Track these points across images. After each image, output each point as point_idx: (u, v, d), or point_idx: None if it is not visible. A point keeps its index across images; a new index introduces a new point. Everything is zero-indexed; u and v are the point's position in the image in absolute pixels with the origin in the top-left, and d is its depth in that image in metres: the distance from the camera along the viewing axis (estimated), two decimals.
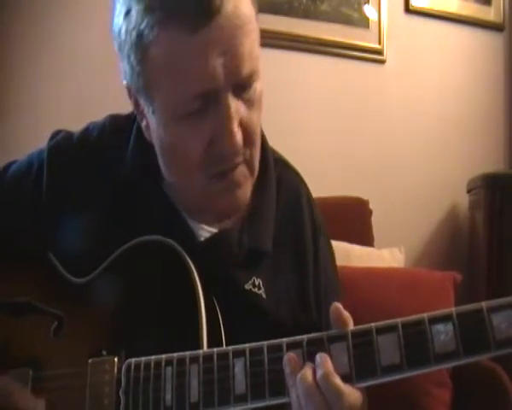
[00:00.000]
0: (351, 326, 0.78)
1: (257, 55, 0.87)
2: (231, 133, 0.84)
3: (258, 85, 0.89)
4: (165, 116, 0.88)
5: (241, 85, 0.86)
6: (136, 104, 0.93)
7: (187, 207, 0.97)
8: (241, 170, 0.91)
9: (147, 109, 0.90)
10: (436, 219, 2.75)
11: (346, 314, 0.78)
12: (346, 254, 2.15)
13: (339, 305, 0.79)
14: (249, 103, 0.88)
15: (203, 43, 0.81)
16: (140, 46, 0.84)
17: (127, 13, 0.84)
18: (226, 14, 0.81)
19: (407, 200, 2.65)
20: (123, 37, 0.86)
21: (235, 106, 0.85)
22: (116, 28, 0.87)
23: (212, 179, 0.89)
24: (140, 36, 0.83)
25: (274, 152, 1.10)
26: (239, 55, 0.83)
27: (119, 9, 0.86)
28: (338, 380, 0.74)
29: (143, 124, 0.94)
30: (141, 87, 0.89)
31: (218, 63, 0.82)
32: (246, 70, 0.84)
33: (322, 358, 0.75)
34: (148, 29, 0.82)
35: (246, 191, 0.93)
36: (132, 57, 0.86)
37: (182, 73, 0.83)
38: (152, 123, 0.91)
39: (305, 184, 1.13)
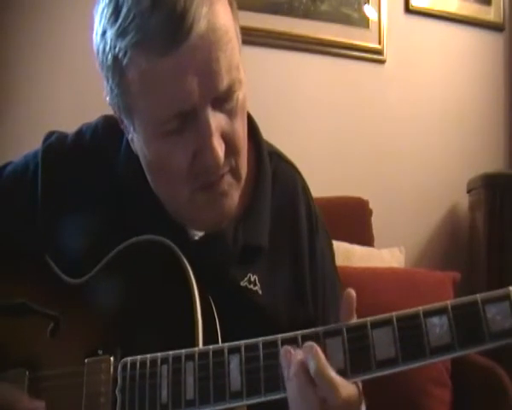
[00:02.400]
0: (354, 319, 0.78)
1: (237, 63, 0.85)
2: (212, 149, 0.83)
3: (240, 94, 0.87)
4: (146, 135, 0.88)
5: (221, 98, 0.84)
6: (121, 120, 0.93)
7: (176, 215, 0.97)
8: (227, 179, 0.90)
9: (129, 127, 0.91)
10: (436, 219, 2.75)
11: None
12: (347, 254, 2.15)
13: (353, 292, 0.78)
14: (231, 113, 0.87)
15: (176, 66, 0.80)
16: (116, 70, 0.84)
17: (103, 34, 0.84)
18: (199, 33, 0.79)
19: (407, 200, 2.66)
20: (101, 58, 0.86)
21: (216, 120, 0.84)
22: (95, 47, 0.87)
23: (197, 191, 0.89)
24: (115, 59, 0.83)
25: (269, 145, 1.10)
26: (215, 72, 0.82)
27: (97, 28, 0.85)
28: (332, 372, 0.73)
29: (129, 137, 0.94)
30: (121, 107, 0.89)
31: (192, 83, 0.81)
32: (224, 84, 0.83)
33: (313, 350, 0.74)
34: (122, 53, 0.81)
35: (233, 200, 0.92)
36: (110, 80, 0.86)
37: (157, 95, 0.82)
38: (135, 139, 0.92)
39: (302, 177, 1.12)
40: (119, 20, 0.80)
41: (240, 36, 0.90)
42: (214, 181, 0.88)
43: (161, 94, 0.82)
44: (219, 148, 0.84)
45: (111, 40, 0.82)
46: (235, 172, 0.91)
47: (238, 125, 0.88)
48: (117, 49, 0.82)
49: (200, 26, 0.79)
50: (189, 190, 0.89)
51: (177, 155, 0.86)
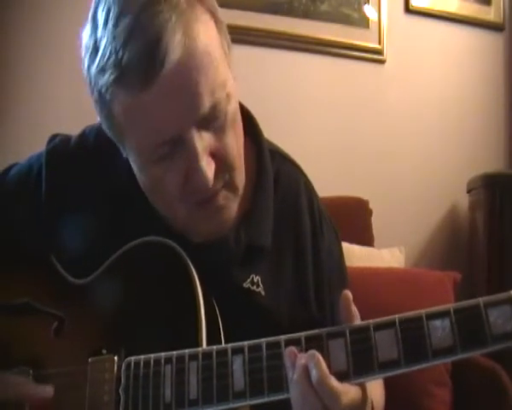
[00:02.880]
0: (357, 320, 0.78)
1: (222, 81, 0.85)
2: (200, 171, 0.83)
3: (229, 108, 0.86)
4: (138, 162, 0.89)
5: (206, 119, 0.84)
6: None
7: (175, 227, 0.97)
8: (222, 194, 0.90)
9: (124, 152, 0.92)
10: (436, 219, 2.75)
11: (355, 308, 0.79)
12: (346, 254, 2.11)
13: (349, 294, 0.79)
14: (220, 130, 0.86)
15: (155, 98, 0.80)
16: (103, 104, 0.85)
17: (88, 68, 0.84)
18: (174, 61, 0.78)
19: (407, 200, 2.66)
20: (89, 90, 0.87)
21: (203, 141, 0.84)
22: (84, 77, 0.87)
23: (193, 208, 0.89)
24: (100, 94, 0.84)
25: (270, 144, 1.09)
26: (196, 96, 0.81)
27: (83, 60, 0.86)
28: (333, 381, 0.74)
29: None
30: (113, 136, 0.91)
31: (173, 112, 0.81)
32: (206, 107, 0.82)
33: (315, 359, 0.75)
34: (105, 89, 0.82)
35: (230, 212, 0.93)
36: (99, 112, 0.88)
37: (142, 127, 0.83)
38: (131, 162, 0.92)
39: (305, 176, 1.12)
40: (98, 57, 0.81)
41: (228, 48, 0.90)
42: (209, 198, 0.89)
43: (145, 125, 0.83)
44: (208, 169, 0.84)
45: (94, 76, 0.83)
46: (230, 186, 0.91)
47: (229, 139, 0.88)
48: (100, 86, 0.83)
49: (175, 54, 0.79)
50: (185, 207, 0.89)
51: (170, 179, 0.86)
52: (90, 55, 0.83)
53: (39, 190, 1.02)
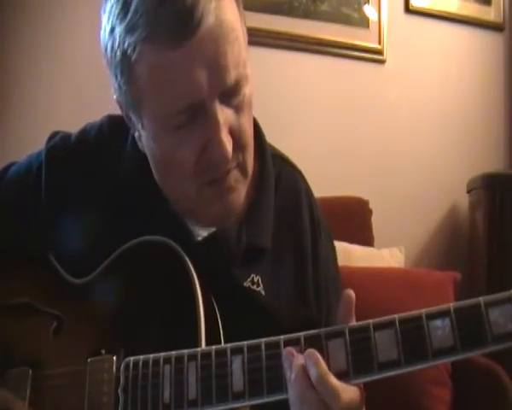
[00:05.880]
0: (353, 322, 0.78)
1: (244, 60, 0.87)
2: (221, 143, 0.84)
3: (247, 90, 0.88)
4: (154, 130, 0.89)
5: (229, 93, 0.85)
6: (128, 117, 0.94)
7: (182, 211, 0.97)
8: (234, 174, 0.91)
9: (137, 123, 0.92)
10: (436, 219, 2.76)
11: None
12: (346, 254, 2.15)
13: (352, 294, 0.78)
14: (238, 109, 0.88)
15: (185, 59, 0.81)
16: (125, 66, 0.85)
17: (112, 31, 0.84)
18: (208, 27, 0.80)
19: (407, 200, 2.66)
20: (109, 55, 0.87)
21: (224, 114, 0.85)
22: (103, 44, 0.87)
23: (205, 186, 0.90)
24: (124, 55, 0.83)
25: (272, 148, 1.10)
26: (223, 66, 0.83)
27: (105, 25, 0.86)
28: (333, 379, 0.73)
29: (136, 135, 0.95)
30: (129, 104, 0.90)
31: (201, 76, 0.82)
32: (231, 79, 0.84)
33: (314, 357, 0.74)
34: (131, 49, 0.82)
35: (239, 195, 0.93)
36: (119, 76, 0.87)
37: (166, 89, 0.83)
38: (143, 136, 0.92)
39: (305, 180, 1.12)
40: (128, 16, 0.81)
41: (246, 35, 0.91)
42: (221, 176, 0.89)
43: (170, 87, 0.83)
44: (227, 142, 0.85)
45: (120, 36, 0.83)
46: (242, 168, 0.92)
47: (245, 120, 0.89)
48: (126, 45, 0.82)
49: (209, 20, 0.80)
50: (197, 185, 0.89)
51: (185, 150, 0.86)
52: (118, 16, 0.83)
53: (39, 187, 1.02)
